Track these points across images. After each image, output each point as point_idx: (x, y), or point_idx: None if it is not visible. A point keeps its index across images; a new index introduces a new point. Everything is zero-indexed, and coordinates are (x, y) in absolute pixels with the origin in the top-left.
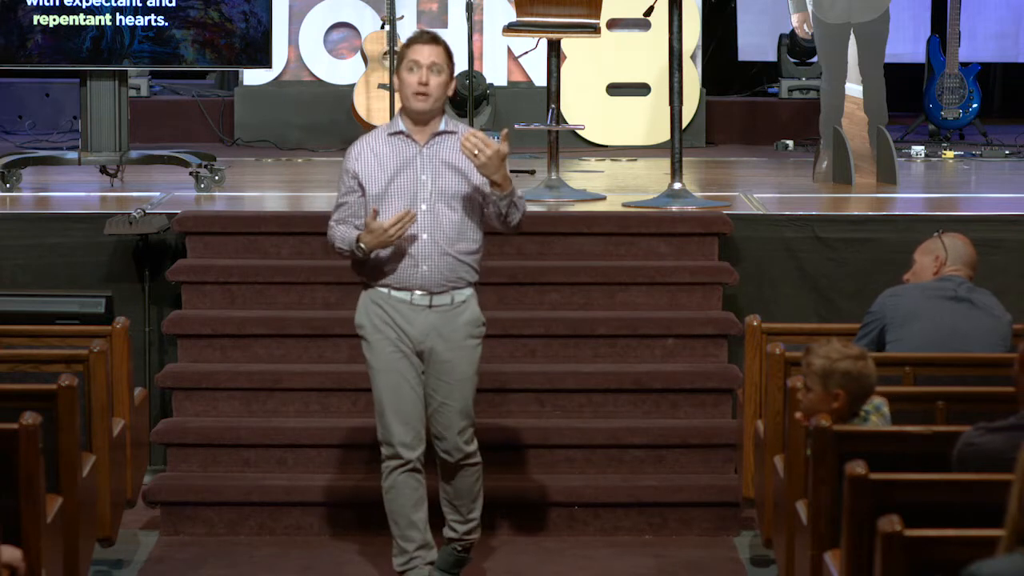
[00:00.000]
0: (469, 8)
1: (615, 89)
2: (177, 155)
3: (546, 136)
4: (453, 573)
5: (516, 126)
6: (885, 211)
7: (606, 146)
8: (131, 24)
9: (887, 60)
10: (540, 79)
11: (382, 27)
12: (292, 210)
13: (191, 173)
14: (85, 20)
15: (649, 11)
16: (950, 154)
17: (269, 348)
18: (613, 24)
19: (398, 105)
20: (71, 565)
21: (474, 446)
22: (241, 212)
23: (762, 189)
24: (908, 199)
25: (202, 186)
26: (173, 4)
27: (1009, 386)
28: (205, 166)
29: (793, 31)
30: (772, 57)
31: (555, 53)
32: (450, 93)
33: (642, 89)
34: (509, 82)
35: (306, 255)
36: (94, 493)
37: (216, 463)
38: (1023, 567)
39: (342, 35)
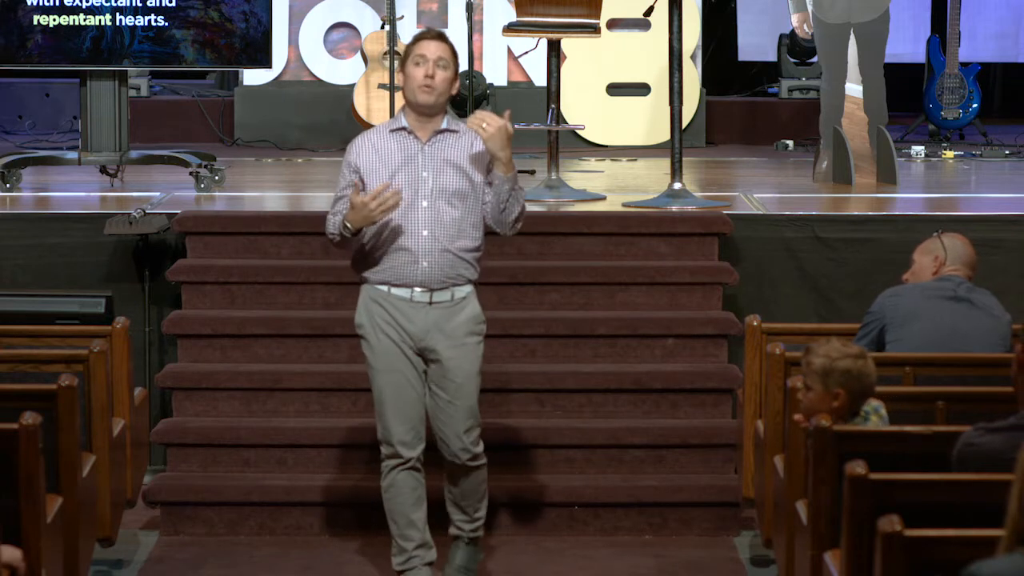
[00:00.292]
0: (469, 8)
1: (615, 89)
2: (177, 155)
3: (546, 136)
4: (471, 570)
5: (516, 126)
6: (885, 211)
7: (606, 146)
8: (131, 24)
9: (887, 60)
10: (540, 79)
11: (382, 27)
12: (292, 210)
13: (191, 173)
14: (85, 20)
15: (649, 11)
16: (950, 154)
17: (269, 348)
18: (613, 24)
19: (398, 105)
20: (71, 565)
21: (481, 446)
22: (241, 212)
23: (762, 189)
24: (908, 199)
25: (202, 186)
26: (173, 4)
27: (1009, 386)
28: (205, 166)
29: (793, 31)
30: (772, 57)
31: (555, 53)
32: (454, 92)
33: (642, 89)
34: (509, 82)
35: (306, 255)
36: (94, 493)
37: (216, 463)
38: (1023, 567)
39: (342, 35)
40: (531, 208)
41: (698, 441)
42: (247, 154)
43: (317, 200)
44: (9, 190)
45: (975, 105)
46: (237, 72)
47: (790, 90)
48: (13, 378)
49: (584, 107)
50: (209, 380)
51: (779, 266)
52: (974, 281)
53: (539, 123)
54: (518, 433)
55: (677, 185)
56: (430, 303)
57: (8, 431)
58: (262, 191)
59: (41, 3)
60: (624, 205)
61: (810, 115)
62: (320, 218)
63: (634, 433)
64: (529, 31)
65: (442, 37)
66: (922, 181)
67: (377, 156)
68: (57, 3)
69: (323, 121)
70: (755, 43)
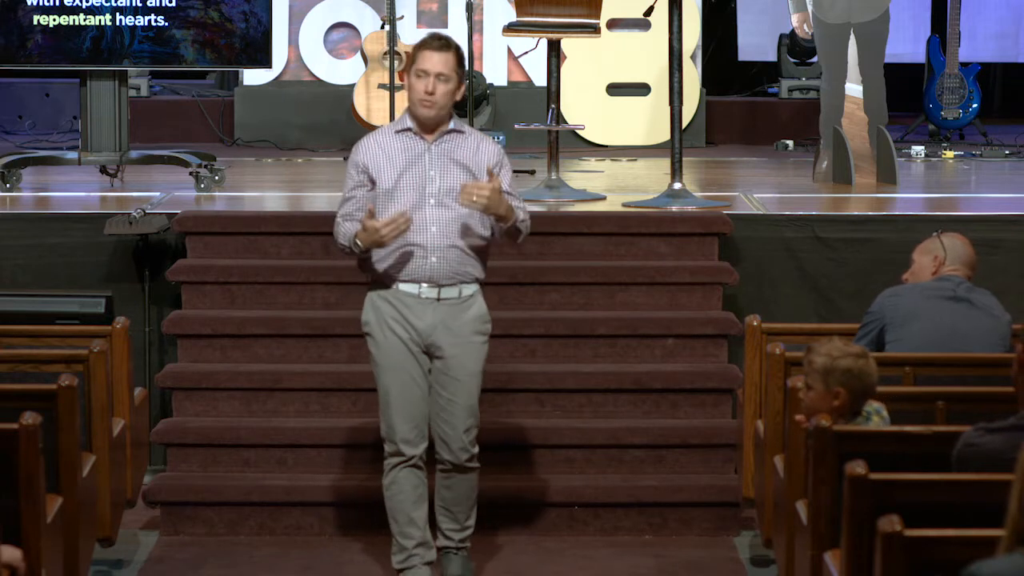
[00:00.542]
0: (469, 8)
1: (615, 89)
2: (177, 155)
3: (546, 136)
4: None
5: (516, 126)
6: (885, 211)
7: (606, 146)
8: (131, 24)
9: (887, 60)
10: (540, 79)
11: (382, 27)
12: (292, 210)
13: (191, 173)
14: (85, 20)
15: (649, 11)
16: (950, 154)
17: (269, 348)
18: (613, 24)
19: (398, 105)
20: (71, 565)
21: (477, 448)
22: (241, 212)
23: (762, 189)
24: (908, 199)
25: (202, 186)
26: (173, 4)
27: (1009, 386)
28: (205, 166)
29: (793, 31)
30: (772, 57)
31: (555, 53)
32: (458, 98)
33: (642, 89)
34: (509, 82)
35: (306, 255)
36: (94, 493)
37: (216, 463)
38: (1023, 567)
39: (342, 35)
40: (531, 208)
41: (698, 441)
42: (247, 154)
43: (317, 200)
44: (9, 190)
45: (975, 105)
46: (237, 72)
47: (790, 90)
48: (13, 378)
49: (584, 107)
50: (209, 380)
51: (779, 266)
52: (974, 281)
53: (539, 123)
54: (518, 433)
55: (677, 185)
56: (438, 299)
57: (8, 431)
58: (262, 191)
59: (41, 3)
60: (624, 205)
61: (810, 115)
62: (320, 218)
63: (634, 433)
64: (529, 31)
65: (446, 46)
66: (922, 181)
67: (384, 155)
68: (57, 3)
69: (323, 121)
70: (755, 43)
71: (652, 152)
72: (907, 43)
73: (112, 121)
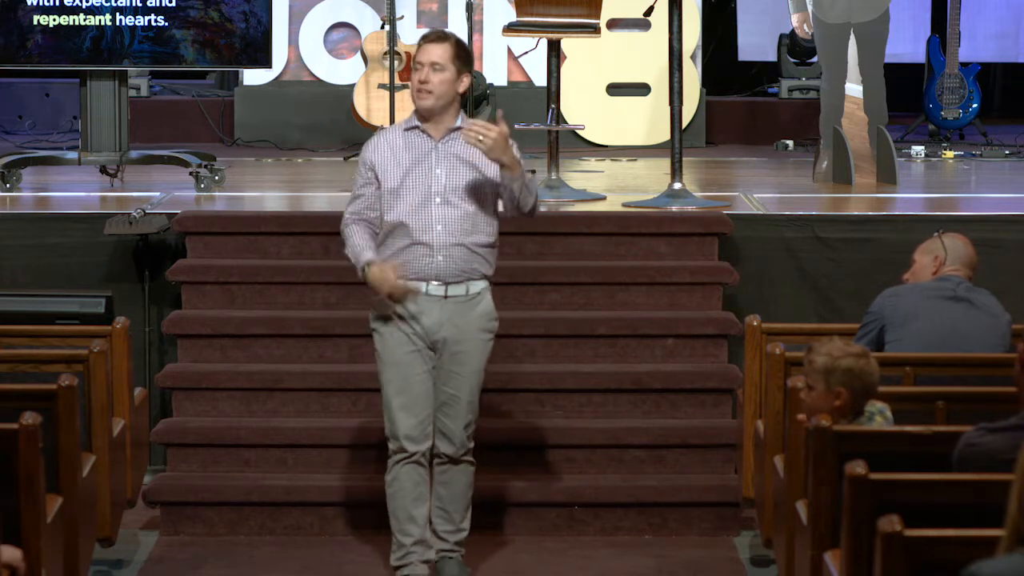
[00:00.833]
0: (469, 8)
1: (615, 89)
2: (177, 155)
3: (546, 136)
4: None
5: (516, 126)
6: (885, 211)
7: (606, 146)
8: (131, 24)
9: (887, 60)
10: (540, 79)
11: (382, 27)
12: (292, 210)
13: (191, 173)
14: (85, 20)
15: (649, 11)
16: (950, 154)
17: (269, 348)
18: (613, 24)
19: (398, 105)
20: (71, 565)
21: (472, 443)
22: (241, 212)
23: (762, 189)
24: (908, 199)
25: (202, 186)
26: (173, 4)
27: (1009, 386)
28: (205, 166)
29: (793, 31)
30: (772, 57)
31: (555, 53)
32: (461, 90)
33: (642, 89)
34: (509, 82)
35: (306, 255)
36: (94, 493)
37: (216, 463)
38: (1023, 567)
39: (342, 35)
40: None
41: (698, 441)
42: (247, 154)
43: (317, 200)
44: (9, 190)
45: (975, 105)
46: (237, 72)
47: (790, 90)
48: (13, 378)
49: (584, 107)
50: (209, 380)
51: (779, 266)
52: (974, 281)
53: (539, 123)
54: (518, 433)
55: (677, 185)
56: (445, 296)
57: (8, 431)
58: (262, 191)
59: (41, 3)
60: (624, 205)
61: (810, 115)
62: (320, 218)
63: (634, 433)
64: (529, 31)
65: (441, 39)
66: (922, 181)
67: (392, 154)
68: (57, 3)
69: (323, 121)
70: (755, 43)
71: (652, 152)
72: (907, 43)
73: (112, 121)
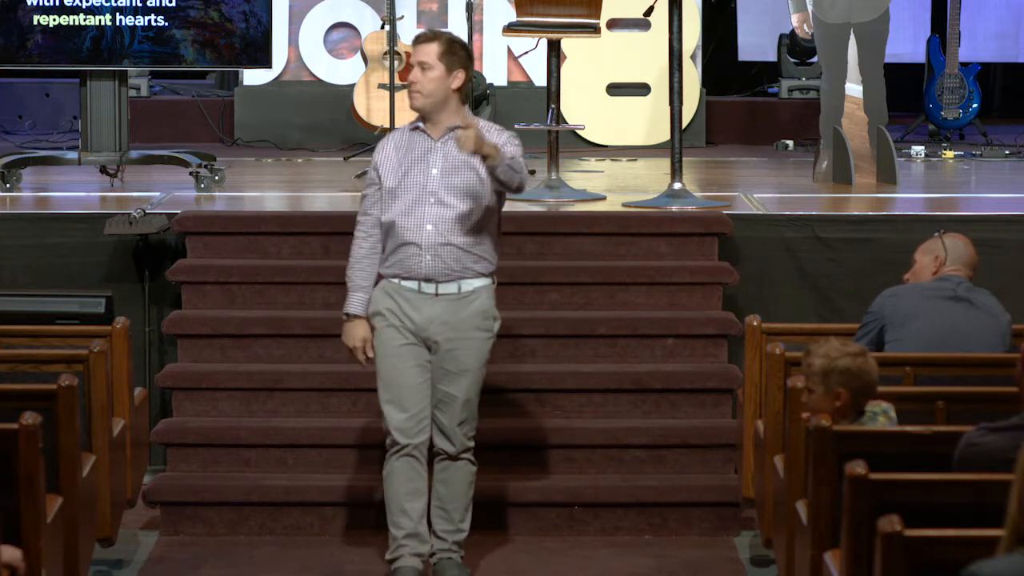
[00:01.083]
0: (469, 8)
1: (615, 89)
2: (177, 155)
3: (546, 136)
4: None
5: (516, 126)
6: (885, 211)
7: (606, 146)
8: (131, 24)
9: (887, 60)
10: (540, 79)
11: (382, 27)
12: (292, 210)
13: (191, 173)
14: (85, 20)
15: (649, 11)
16: (950, 154)
17: (269, 348)
18: (613, 24)
19: (398, 105)
20: (71, 565)
21: (472, 443)
22: (241, 212)
23: (762, 189)
24: (908, 199)
25: (202, 186)
26: (173, 4)
27: (1009, 386)
28: (205, 166)
29: (793, 31)
30: (772, 57)
31: (555, 53)
32: (454, 87)
33: (642, 89)
34: (509, 82)
35: (306, 255)
36: (94, 493)
37: (216, 463)
38: (1023, 567)
39: (342, 35)
40: (531, 208)
41: (698, 441)
42: (247, 154)
43: (317, 200)
44: (9, 190)
45: (975, 105)
46: (237, 72)
47: (790, 90)
48: (13, 378)
49: (584, 107)
50: (209, 380)
51: (779, 266)
52: (974, 281)
53: (539, 123)
54: (518, 433)
55: (677, 185)
56: (436, 295)
57: (8, 431)
58: (262, 191)
59: (41, 3)
60: (624, 205)
61: (810, 115)
62: (320, 218)
63: (634, 433)
64: (529, 31)
65: (430, 38)
66: (922, 181)
67: (395, 154)
68: (57, 3)
69: (323, 121)
70: (755, 43)
71: (652, 152)
72: (907, 43)
73: (112, 121)
